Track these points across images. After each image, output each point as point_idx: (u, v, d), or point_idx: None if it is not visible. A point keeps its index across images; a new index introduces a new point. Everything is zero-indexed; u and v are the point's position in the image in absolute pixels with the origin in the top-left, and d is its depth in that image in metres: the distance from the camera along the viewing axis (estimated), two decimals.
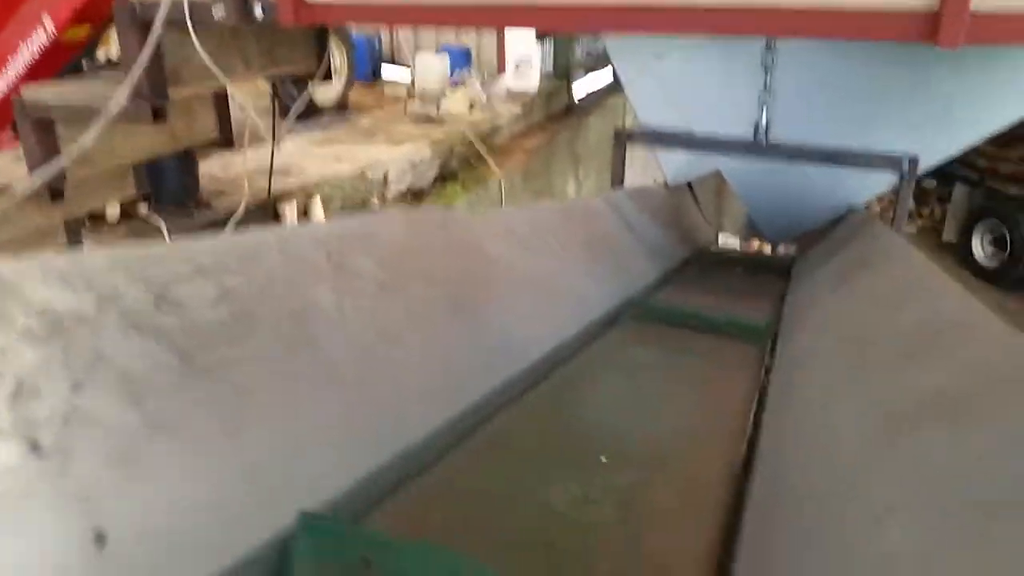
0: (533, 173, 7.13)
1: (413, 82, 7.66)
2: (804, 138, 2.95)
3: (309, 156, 5.99)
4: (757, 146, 3.00)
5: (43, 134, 2.82)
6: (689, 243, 3.18)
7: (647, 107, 3.17)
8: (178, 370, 0.76)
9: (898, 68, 2.74)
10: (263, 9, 2.65)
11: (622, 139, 3.18)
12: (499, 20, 2.96)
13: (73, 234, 3.32)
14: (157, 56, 2.71)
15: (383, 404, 1.02)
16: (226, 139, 3.84)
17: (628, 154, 3.32)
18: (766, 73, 2.89)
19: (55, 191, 2.96)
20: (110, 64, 4.01)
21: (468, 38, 8.88)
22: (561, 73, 8.87)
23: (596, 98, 9.07)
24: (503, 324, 1.42)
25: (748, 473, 1.10)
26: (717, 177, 3.35)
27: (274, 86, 5.42)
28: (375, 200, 5.75)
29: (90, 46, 3.95)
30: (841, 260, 2.33)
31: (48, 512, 0.61)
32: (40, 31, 3.31)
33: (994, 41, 2.45)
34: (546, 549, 0.88)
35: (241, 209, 4.13)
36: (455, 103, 7.44)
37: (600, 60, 9.05)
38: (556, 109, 8.65)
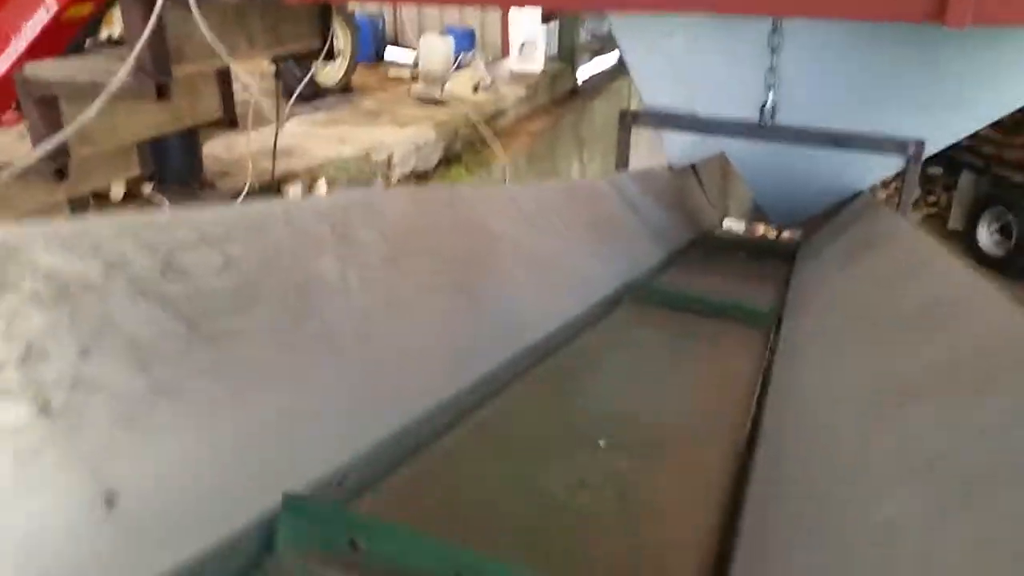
0: (538, 156, 7.10)
1: (417, 64, 7.63)
2: (810, 121, 2.94)
3: (313, 137, 5.97)
4: (762, 129, 2.99)
5: (46, 111, 2.81)
6: (693, 226, 3.18)
7: (653, 89, 3.16)
8: (184, 337, 0.76)
9: (905, 50, 2.72)
10: None
11: (627, 121, 3.17)
12: None
13: (77, 213, 3.32)
14: (160, 33, 2.70)
15: (384, 379, 1.02)
16: (230, 119, 3.83)
17: (633, 137, 3.31)
18: (772, 55, 2.87)
19: (59, 170, 2.96)
20: (112, 43, 4.00)
21: (473, 19, 8.83)
22: (566, 55, 8.82)
23: (601, 81, 9.03)
24: (505, 303, 1.42)
25: (751, 456, 1.08)
26: (722, 160, 3.34)
27: (277, 66, 5.41)
28: (380, 182, 5.74)
29: (93, 25, 3.93)
30: (846, 243, 2.33)
31: (58, 472, 0.61)
32: (42, 9, 3.30)
33: (1002, 22, 2.43)
34: (539, 535, 0.87)
35: (245, 190, 4.12)
36: (459, 85, 7.40)
37: (605, 43, 8.99)
38: (561, 92, 8.61)
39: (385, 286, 1.13)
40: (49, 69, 2.97)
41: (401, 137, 6.15)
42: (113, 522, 0.64)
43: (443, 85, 7.28)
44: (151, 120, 3.28)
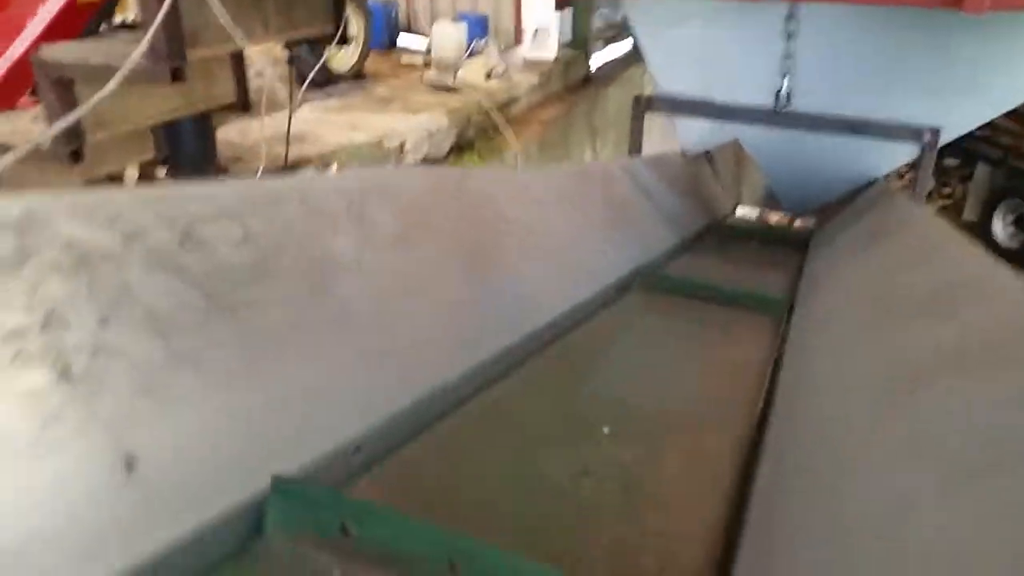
0: (550, 144, 7.08)
1: (430, 51, 7.61)
2: (825, 108, 2.91)
3: (325, 124, 5.98)
4: (777, 115, 2.97)
5: (62, 93, 2.83)
6: (706, 213, 3.16)
7: (667, 75, 3.14)
8: (202, 308, 0.77)
9: (921, 36, 2.69)
10: None
11: (641, 106, 3.16)
12: None
13: None
14: (175, 16, 2.71)
15: (395, 357, 1.02)
16: (243, 103, 3.84)
17: (647, 123, 3.29)
18: (788, 41, 2.85)
19: (75, 152, 2.97)
20: (127, 27, 4.01)
21: (486, 6, 8.79)
22: (579, 43, 8.77)
23: (614, 68, 8.98)
24: (515, 286, 1.42)
25: (759, 445, 1.07)
26: (736, 146, 3.32)
27: (291, 52, 5.41)
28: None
29: (107, 9, 3.94)
30: (859, 231, 2.31)
31: (79, 436, 0.62)
32: None
33: (1021, 8, 2.41)
34: (540, 523, 0.85)
35: (258, 175, 4.13)
36: (472, 72, 7.38)
37: (619, 31, 8.94)
38: (574, 79, 8.57)
39: (397, 265, 1.13)
40: (65, 51, 2.99)
41: (414, 124, 6.15)
42: (132, 486, 0.65)
43: (456, 72, 7.27)
44: (165, 104, 3.29)
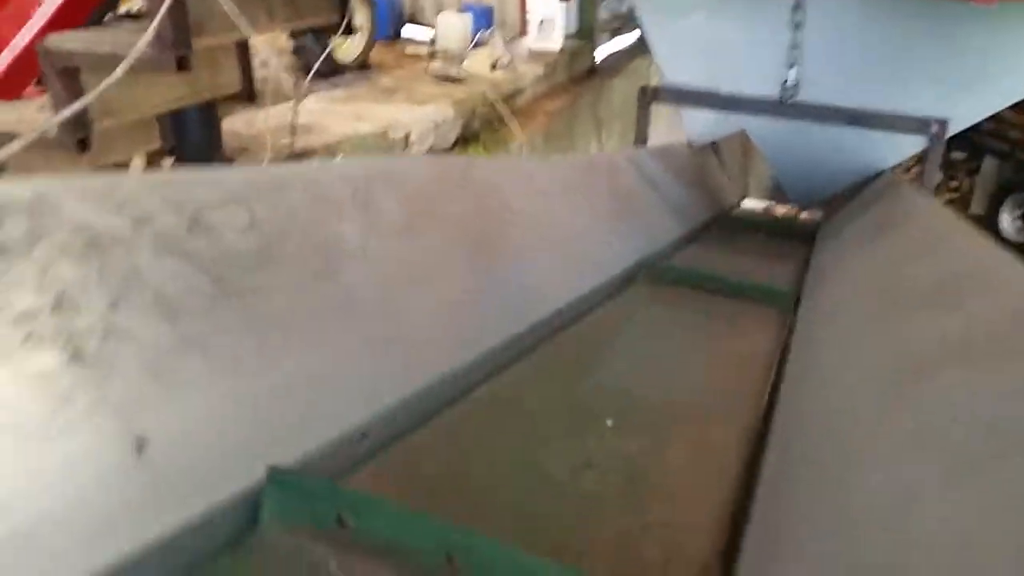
0: (555, 135, 7.07)
1: (435, 41, 7.60)
2: (832, 99, 2.90)
3: (331, 114, 5.97)
4: (784, 106, 2.95)
5: (68, 81, 2.84)
6: (713, 204, 3.16)
7: (673, 65, 3.12)
8: (210, 293, 0.77)
9: (930, 26, 2.68)
10: None
11: (647, 97, 3.14)
12: None
13: None
14: (181, 5, 2.71)
15: (399, 345, 1.02)
16: (249, 93, 3.84)
17: (653, 115, 3.28)
18: (795, 31, 2.84)
19: (82, 141, 2.98)
20: (132, 17, 4.01)
21: None
22: (585, 34, 8.75)
23: (620, 60, 8.95)
24: (520, 276, 1.42)
25: (765, 437, 1.06)
26: (742, 138, 3.31)
27: (296, 42, 5.40)
28: None
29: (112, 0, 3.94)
30: (867, 222, 2.31)
31: (89, 418, 0.63)
32: None
33: None
34: (541, 516, 0.84)
35: (264, 165, 4.14)
36: (477, 63, 7.37)
37: (624, 22, 8.90)
38: (579, 71, 8.54)
39: (403, 253, 1.13)
40: (71, 40, 2.99)
41: (419, 115, 6.14)
42: (141, 469, 0.65)
43: (461, 63, 7.26)
44: (171, 93, 3.30)
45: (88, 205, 0.70)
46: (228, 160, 4.36)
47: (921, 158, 2.96)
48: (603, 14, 9.01)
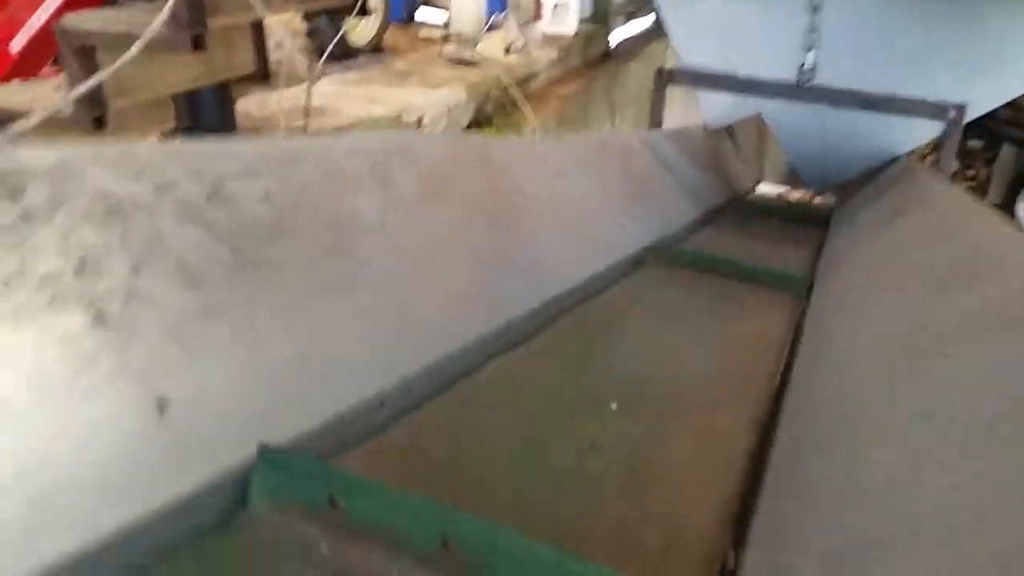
0: (569, 119, 7.04)
1: (448, 25, 7.57)
2: (849, 83, 2.87)
3: (344, 97, 5.97)
4: (800, 90, 2.93)
5: (84, 60, 2.85)
6: (727, 188, 3.14)
7: (689, 48, 3.10)
8: (230, 262, 0.78)
9: (948, 9, 2.65)
10: None
11: (663, 79, 3.12)
12: None
13: None
14: None
15: (411, 320, 1.03)
16: (263, 73, 3.84)
17: (668, 100, 3.26)
18: (812, 14, 2.81)
19: (98, 120, 3.00)
20: None
21: None
22: (599, 18, 8.69)
23: (635, 44, 8.89)
24: (532, 255, 1.41)
25: (774, 422, 1.05)
26: (758, 121, 3.29)
27: (310, 24, 5.39)
28: None
29: None
30: (881, 207, 2.29)
31: (112, 380, 0.64)
32: None
33: None
34: (541, 499, 0.83)
35: None
36: (491, 47, 7.34)
37: (639, 5, 8.83)
38: (594, 55, 8.49)
39: (417, 228, 1.14)
40: (87, 20, 3.00)
41: (432, 98, 6.13)
42: (162, 432, 0.66)
43: (475, 46, 7.23)
44: (187, 72, 3.30)
45: (109, 172, 0.71)
46: None
47: (937, 146, 2.94)
48: None
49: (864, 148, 3.03)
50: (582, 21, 8.40)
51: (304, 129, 4.61)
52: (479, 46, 7.25)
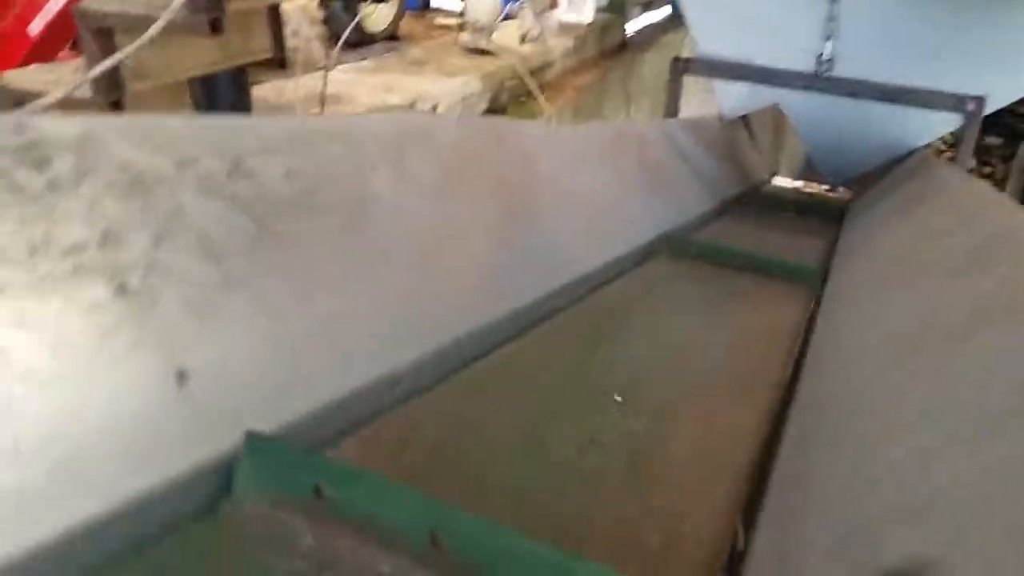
0: (584, 110, 7.02)
1: (464, 13, 7.54)
2: (868, 73, 2.85)
3: (359, 85, 5.97)
4: (818, 80, 2.91)
5: (103, 43, 2.86)
6: (743, 180, 3.13)
7: (708, 36, 3.09)
8: (252, 236, 0.79)
9: (969, 0, 2.62)
10: None
11: (679, 68, 3.11)
12: None
13: None
14: None
15: (426, 300, 1.03)
16: (280, 59, 3.85)
17: (684, 91, 3.24)
18: (832, 3, 2.79)
19: (115, 103, 3.01)
20: None
21: None
22: (616, 7, 8.64)
23: (651, 35, 8.84)
24: (545, 242, 1.41)
25: (783, 418, 1.03)
26: (775, 112, 3.27)
27: (326, 10, 5.40)
28: None
29: None
30: (897, 198, 2.28)
31: (134, 350, 0.65)
32: None
33: None
34: (538, 494, 0.81)
35: None
36: (506, 36, 7.31)
37: None
38: (609, 45, 8.44)
39: (431, 210, 1.14)
40: (106, 2, 3.01)
41: (447, 87, 6.12)
42: (182, 402, 0.67)
43: (490, 35, 7.20)
44: (204, 56, 3.31)
45: (133, 144, 0.72)
46: None
47: (954, 143, 2.91)
48: None
49: (881, 140, 3.00)
50: (598, 10, 8.36)
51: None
52: (495, 35, 7.23)
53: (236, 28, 3.28)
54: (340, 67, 5.97)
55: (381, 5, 6.23)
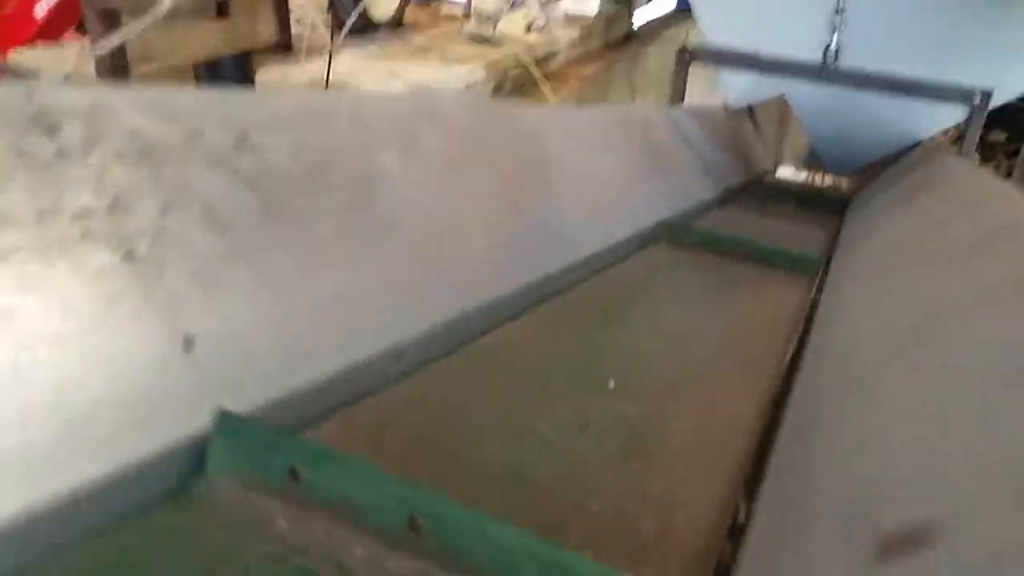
0: (588, 100, 7.00)
1: (470, 2, 7.52)
2: (874, 65, 2.84)
3: (364, 71, 5.96)
4: (824, 71, 2.90)
5: (108, 24, 2.86)
6: (747, 169, 3.12)
7: (715, 26, 3.08)
8: (257, 209, 0.79)
9: None
10: None
11: (685, 57, 3.10)
12: None
13: None
14: None
15: (431, 277, 1.04)
16: (285, 44, 3.85)
17: (689, 83, 3.23)
18: None
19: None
20: None
21: None
22: None
23: (658, 26, 8.80)
24: (548, 221, 1.41)
25: (781, 406, 1.02)
26: (780, 103, 3.26)
27: None
28: None
29: None
30: (901, 189, 2.28)
31: (140, 316, 0.65)
32: None
33: None
34: (526, 480, 0.79)
35: None
36: (512, 25, 7.29)
37: None
38: (615, 36, 8.41)
39: (442, 187, 1.14)
40: None
41: (451, 75, 6.11)
42: (187, 369, 0.68)
43: (495, 24, 7.18)
44: (210, 40, 3.32)
45: (142, 114, 0.72)
46: None
47: (959, 136, 2.90)
48: None
49: (886, 132, 3.00)
50: (605, 1, 8.33)
51: None
52: (500, 24, 7.21)
53: (242, 12, 3.28)
54: (345, 53, 5.96)
55: None
